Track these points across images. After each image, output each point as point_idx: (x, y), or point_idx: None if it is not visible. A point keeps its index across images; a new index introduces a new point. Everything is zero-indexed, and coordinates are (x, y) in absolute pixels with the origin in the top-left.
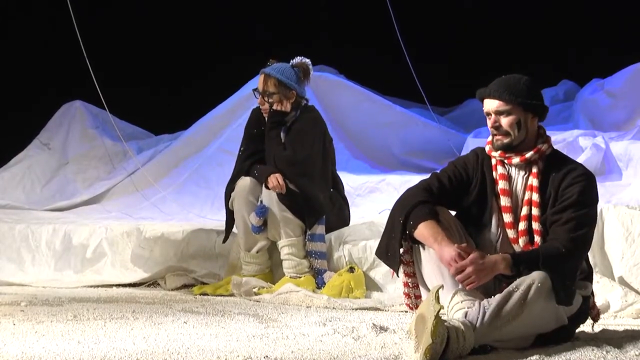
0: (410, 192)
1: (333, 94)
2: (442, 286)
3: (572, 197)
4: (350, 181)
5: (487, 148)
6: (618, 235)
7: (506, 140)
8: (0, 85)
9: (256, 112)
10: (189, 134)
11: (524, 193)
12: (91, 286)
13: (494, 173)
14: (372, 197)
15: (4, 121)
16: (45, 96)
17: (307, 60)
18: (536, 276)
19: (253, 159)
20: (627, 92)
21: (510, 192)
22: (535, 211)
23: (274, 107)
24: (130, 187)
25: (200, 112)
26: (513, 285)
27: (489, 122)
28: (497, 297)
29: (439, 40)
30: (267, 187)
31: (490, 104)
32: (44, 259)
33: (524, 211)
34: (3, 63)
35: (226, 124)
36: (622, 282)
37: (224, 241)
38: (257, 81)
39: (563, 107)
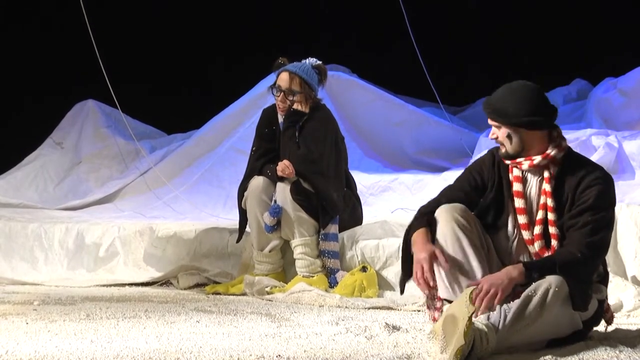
0: (421, 207)
1: (346, 93)
2: (475, 287)
3: (588, 201)
4: (363, 180)
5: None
6: (631, 235)
7: (503, 151)
8: (13, 85)
9: (267, 112)
10: (201, 133)
11: (539, 197)
12: (104, 285)
13: (510, 175)
14: (385, 196)
15: (16, 120)
16: (58, 95)
17: (316, 60)
18: (553, 280)
19: (265, 158)
20: None
21: (525, 194)
22: (550, 216)
23: (295, 106)
24: (142, 186)
25: (212, 111)
26: (531, 289)
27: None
28: (517, 301)
29: (451, 40)
30: (279, 180)
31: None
32: (57, 258)
33: (540, 215)
34: (16, 62)
35: (239, 123)
36: (635, 281)
37: (238, 241)
38: (271, 80)
39: (576, 106)
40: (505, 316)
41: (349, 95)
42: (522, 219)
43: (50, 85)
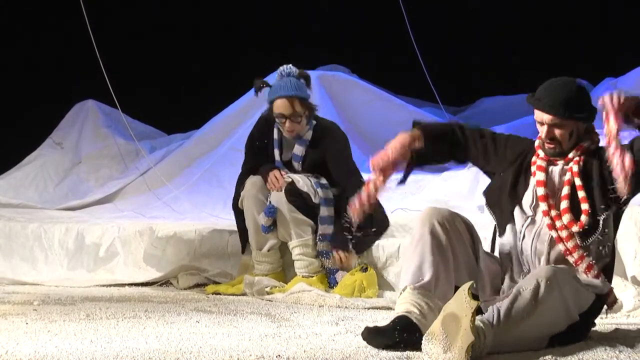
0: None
1: (346, 94)
2: (473, 283)
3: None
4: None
5: (536, 143)
6: (631, 235)
7: (558, 149)
8: (13, 85)
9: (260, 124)
10: (201, 133)
11: (562, 175)
12: (104, 285)
13: (534, 158)
14: (384, 196)
15: (17, 120)
16: (58, 95)
17: (294, 68)
18: (543, 274)
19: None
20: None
21: (547, 170)
22: (581, 194)
23: (300, 126)
24: (142, 186)
25: (212, 111)
26: (520, 285)
27: (543, 132)
28: (508, 298)
29: (451, 40)
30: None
31: (545, 117)
32: (57, 258)
33: (565, 191)
34: (17, 63)
35: (239, 122)
36: (635, 281)
37: (243, 251)
38: (271, 80)
39: None
40: (499, 312)
41: (349, 96)
42: (540, 191)
43: (50, 85)
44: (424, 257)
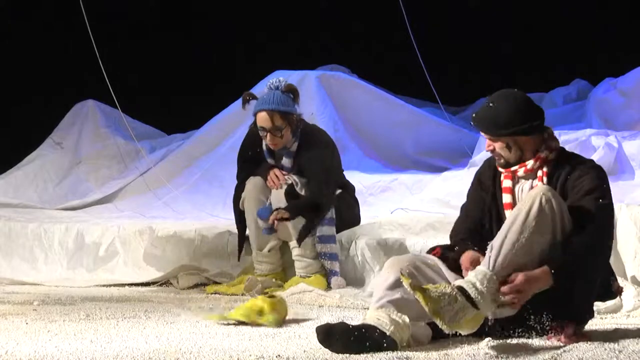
0: (451, 233)
1: (345, 93)
2: (402, 270)
3: (586, 186)
4: (363, 180)
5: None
6: (631, 235)
7: (502, 161)
8: (13, 85)
9: (251, 135)
10: (201, 133)
11: None
12: (104, 285)
13: (502, 185)
14: (384, 196)
15: (17, 120)
16: (58, 95)
17: (283, 82)
18: (539, 188)
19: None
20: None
21: (513, 190)
22: None
23: (284, 139)
24: (142, 186)
25: (212, 111)
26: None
27: (485, 145)
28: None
29: (451, 40)
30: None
31: (482, 133)
32: (57, 257)
33: None
34: (17, 62)
35: (239, 122)
36: (635, 281)
37: (239, 259)
38: (254, 96)
39: (576, 107)
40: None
41: (349, 95)
42: (508, 214)
43: (50, 85)
44: (387, 289)
